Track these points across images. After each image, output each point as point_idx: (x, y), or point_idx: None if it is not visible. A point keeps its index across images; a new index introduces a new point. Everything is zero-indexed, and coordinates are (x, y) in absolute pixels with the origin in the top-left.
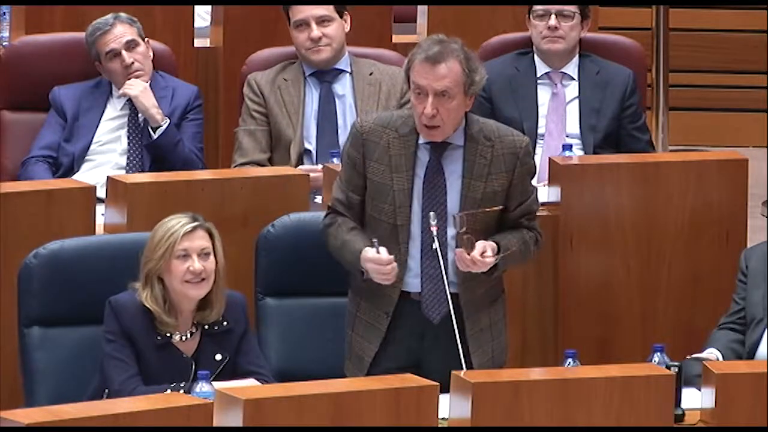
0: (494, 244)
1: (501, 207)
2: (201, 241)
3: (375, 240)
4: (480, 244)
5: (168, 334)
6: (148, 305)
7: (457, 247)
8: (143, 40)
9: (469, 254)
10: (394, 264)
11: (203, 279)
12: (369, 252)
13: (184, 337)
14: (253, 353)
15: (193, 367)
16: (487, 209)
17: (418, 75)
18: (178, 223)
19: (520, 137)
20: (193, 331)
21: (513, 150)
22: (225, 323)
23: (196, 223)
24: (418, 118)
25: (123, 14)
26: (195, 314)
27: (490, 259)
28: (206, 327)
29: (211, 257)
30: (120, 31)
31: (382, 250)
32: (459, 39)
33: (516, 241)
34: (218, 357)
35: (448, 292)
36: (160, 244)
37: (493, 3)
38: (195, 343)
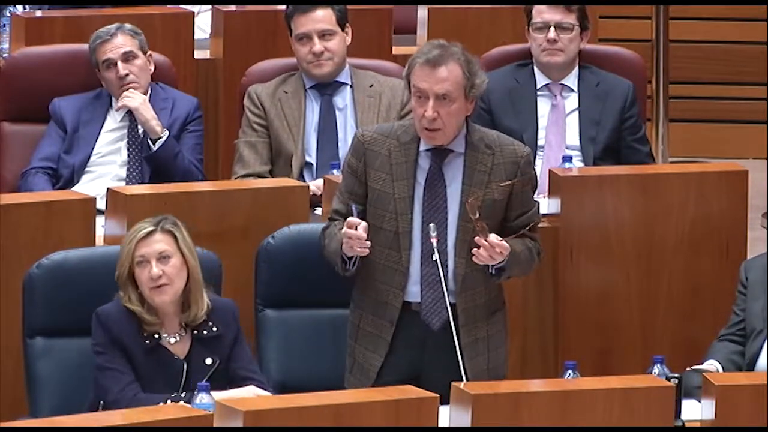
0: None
1: (512, 182)
2: (159, 244)
3: (354, 206)
4: (494, 236)
5: (156, 336)
6: (130, 307)
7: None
8: (144, 53)
9: (486, 240)
10: (364, 225)
11: (165, 284)
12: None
13: (173, 339)
14: (246, 359)
15: (185, 368)
16: (501, 184)
17: (418, 78)
18: (136, 229)
19: (520, 147)
20: (183, 333)
21: (514, 159)
22: (215, 329)
23: (151, 228)
24: (419, 122)
25: (128, 25)
26: (180, 316)
27: (506, 243)
28: (196, 331)
29: (174, 259)
30: (120, 41)
31: (362, 224)
32: (459, 43)
33: (520, 244)
34: (208, 361)
35: (447, 300)
36: (122, 251)
37: (495, 3)
38: (187, 346)
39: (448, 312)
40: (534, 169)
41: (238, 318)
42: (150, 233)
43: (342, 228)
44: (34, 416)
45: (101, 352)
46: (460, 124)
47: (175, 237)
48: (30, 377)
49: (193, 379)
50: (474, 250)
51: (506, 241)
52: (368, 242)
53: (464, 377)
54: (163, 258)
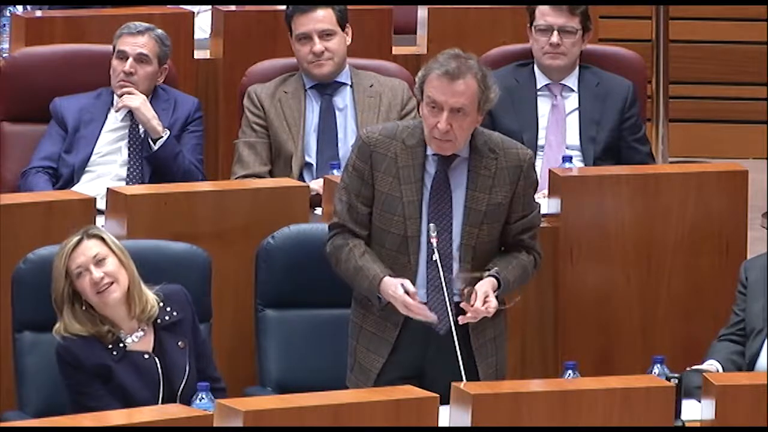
0: (493, 281)
1: (496, 270)
2: (91, 250)
3: (404, 283)
4: (481, 291)
5: (120, 344)
6: (73, 333)
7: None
8: (161, 63)
9: (472, 305)
10: (418, 302)
11: (110, 282)
12: (390, 286)
13: (136, 338)
14: (207, 358)
15: (157, 363)
16: (484, 272)
17: (434, 90)
18: (63, 245)
19: (524, 150)
20: (145, 328)
21: (517, 163)
22: (175, 313)
23: (77, 237)
24: (430, 131)
25: (160, 31)
26: (131, 315)
27: (494, 303)
28: (159, 320)
29: (110, 259)
30: (142, 41)
31: (407, 284)
32: (474, 55)
33: (516, 271)
34: (180, 344)
35: (448, 303)
36: (55, 270)
37: (495, 3)
38: (150, 340)
39: (449, 315)
40: (535, 172)
41: (191, 299)
42: (78, 242)
43: (362, 253)
44: (22, 410)
45: (82, 391)
46: (469, 135)
47: (103, 239)
48: (18, 371)
49: (169, 368)
50: (461, 317)
51: (501, 274)
52: (433, 315)
53: (464, 378)
54: (99, 261)
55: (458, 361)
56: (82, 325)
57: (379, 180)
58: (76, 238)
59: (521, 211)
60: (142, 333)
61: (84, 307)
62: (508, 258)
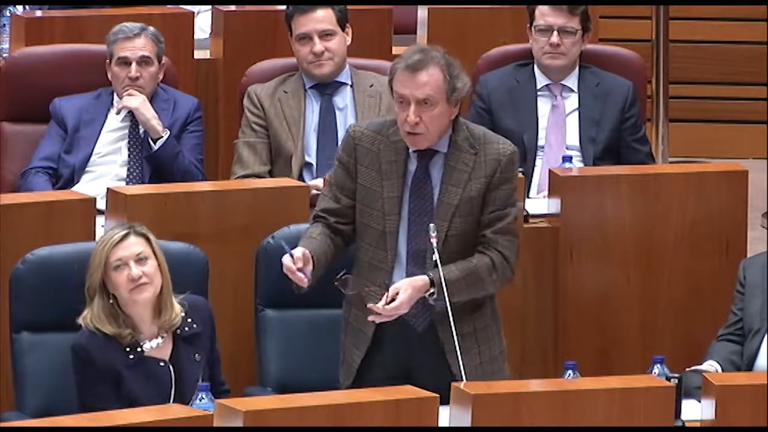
0: (422, 279)
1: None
2: (135, 247)
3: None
4: (392, 289)
5: (139, 348)
6: (96, 326)
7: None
8: (159, 61)
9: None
10: (299, 255)
11: (145, 283)
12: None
13: (154, 344)
14: (216, 367)
15: (172, 372)
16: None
17: (399, 84)
18: (109, 236)
19: (505, 145)
20: (164, 335)
21: (496, 157)
22: (195, 325)
23: (124, 231)
24: (401, 126)
25: (152, 29)
26: (156, 321)
27: (400, 300)
28: (179, 331)
29: (150, 261)
30: (141, 43)
31: (296, 250)
32: (441, 48)
33: (457, 272)
34: (197, 356)
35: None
36: (94, 259)
37: (495, 3)
38: (169, 348)
39: (430, 313)
40: (516, 170)
41: (212, 315)
42: (124, 236)
43: (308, 236)
44: (21, 411)
45: (91, 391)
46: (443, 127)
47: (148, 240)
48: (16, 371)
49: (183, 379)
50: (370, 316)
51: (435, 274)
52: (304, 278)
53: (452, 376)
54: (140, 260)
55: (446, 359)
56: (107, 321)
57: (362, 174)
58: (122, 232)
59: (493, 206)
60: (161, 340)
61: (111, 301)
62: (458, 261)
